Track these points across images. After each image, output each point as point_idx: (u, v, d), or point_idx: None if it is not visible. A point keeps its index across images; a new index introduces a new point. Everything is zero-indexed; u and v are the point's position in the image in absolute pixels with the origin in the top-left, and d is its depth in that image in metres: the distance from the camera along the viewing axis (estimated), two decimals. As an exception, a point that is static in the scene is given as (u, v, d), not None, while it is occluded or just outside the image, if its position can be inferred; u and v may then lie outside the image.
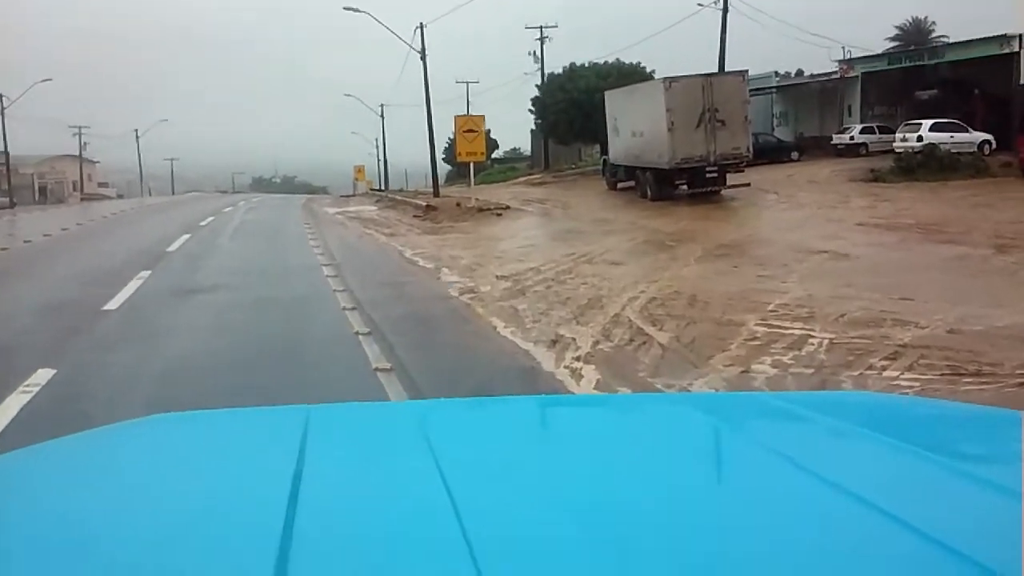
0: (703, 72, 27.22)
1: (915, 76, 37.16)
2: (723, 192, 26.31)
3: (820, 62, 52.82)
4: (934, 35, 55.13)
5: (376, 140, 77.37)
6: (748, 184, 26.18)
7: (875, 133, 37.36)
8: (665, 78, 25.79)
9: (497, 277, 14.12)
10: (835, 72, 40.95)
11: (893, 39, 57.53)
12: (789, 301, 11.00)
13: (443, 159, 61.84)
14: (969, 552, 0.89)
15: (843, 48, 42.82)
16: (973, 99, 34.15)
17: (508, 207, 27.44)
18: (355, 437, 1.52)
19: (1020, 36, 30.16)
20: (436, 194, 34.68)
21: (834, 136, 38.49)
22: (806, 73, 48.23)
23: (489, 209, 26.27)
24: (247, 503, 1.12)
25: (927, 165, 28.16)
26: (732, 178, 26.20)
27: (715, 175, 25.79)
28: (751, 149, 26.47)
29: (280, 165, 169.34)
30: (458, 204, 27.55)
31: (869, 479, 1.17)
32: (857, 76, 39.45)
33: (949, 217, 19.73)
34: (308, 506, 1.04)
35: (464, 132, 26.72)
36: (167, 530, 1.03)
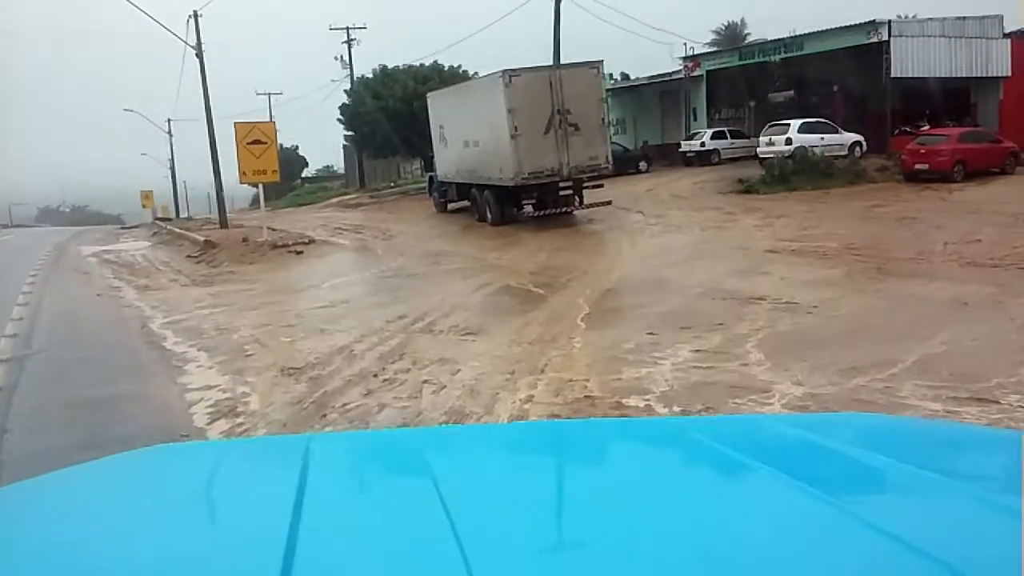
0: (549, 64, 22.22)
1: (765, 74, 33.84)
2: (576, 213, 21.44)
3: (657, 63, 49.74)
4: (749, 39, 53.59)
5: (169, 161, 68.61)
6: (609, 202, 21.41)
7: (727, 139, 33.84)
8: (505, 71, 20.22)
9: (283, 372, 8.84)
10: (679, 71, 37.17)
11: (711, 44, 55.89)
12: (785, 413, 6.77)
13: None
14: (971, 572, 0.89)
15: (685, 44, 39.19)
16: (834, 97, 31.09)
17: (312, 240, 21.17)
18: (356, 465, 1.50)
19: (889, 23, 27.08)
20: (223, 224, 27.63)
21: (682, 143, 34.61)
22: (637, 78, 44.73)
23: (286, 245, 19.97)
24: (248, 534, 1.10)
25: (801, 171, 24.59)
26: (589, 195, 21.30)
27: (569, 192, 20.78)
28: (611, 159, 21.62)
29: (69, 193, 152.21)
30: (244, 239, 21.05)
31: (871, 500, 1.19)
32: (702, 75, 35.79)
33: (875, 236, 15.86)
34: (309, 536, 1.03)
35: (248, 144, 19.92)
36: (168, 562, 1.02)
